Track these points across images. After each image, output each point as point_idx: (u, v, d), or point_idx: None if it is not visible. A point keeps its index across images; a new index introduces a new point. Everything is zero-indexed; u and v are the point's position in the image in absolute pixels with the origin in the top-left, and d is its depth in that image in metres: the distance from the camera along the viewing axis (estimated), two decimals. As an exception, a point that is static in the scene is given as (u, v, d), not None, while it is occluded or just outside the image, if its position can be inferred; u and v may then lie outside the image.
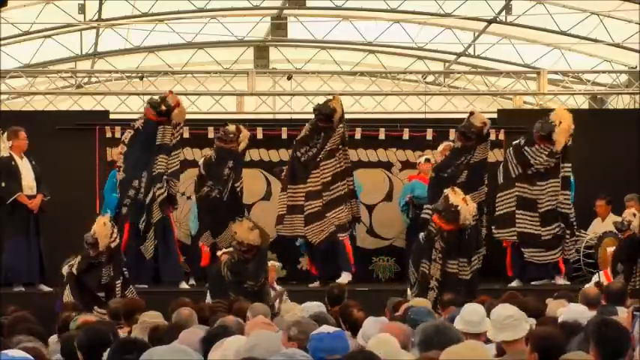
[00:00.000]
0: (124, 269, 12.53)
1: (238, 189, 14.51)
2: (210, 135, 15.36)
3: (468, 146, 14.46)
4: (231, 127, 14.50)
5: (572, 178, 14.58)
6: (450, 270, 12.30)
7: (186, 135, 15.32)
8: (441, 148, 15.18)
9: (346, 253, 14.34)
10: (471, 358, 5.21)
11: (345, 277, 14.05)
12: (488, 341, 7.22)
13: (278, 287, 13.07)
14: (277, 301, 11.22)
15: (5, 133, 14.01)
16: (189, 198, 15.24)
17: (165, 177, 14.06)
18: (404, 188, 15.52)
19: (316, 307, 8.97)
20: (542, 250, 14.03)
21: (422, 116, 17.08)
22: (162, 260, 14.14)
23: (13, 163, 13.87)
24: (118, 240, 12.41)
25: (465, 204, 12.19)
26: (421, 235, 12.70)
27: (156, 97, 14.38)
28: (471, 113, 14.69)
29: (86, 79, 18.20)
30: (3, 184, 13.80)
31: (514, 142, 14.45)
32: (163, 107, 14.06)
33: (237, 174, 14.49)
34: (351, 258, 14.41)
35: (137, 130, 14.17)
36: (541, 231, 14.02)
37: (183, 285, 14.13)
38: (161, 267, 14.14)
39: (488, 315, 8.04)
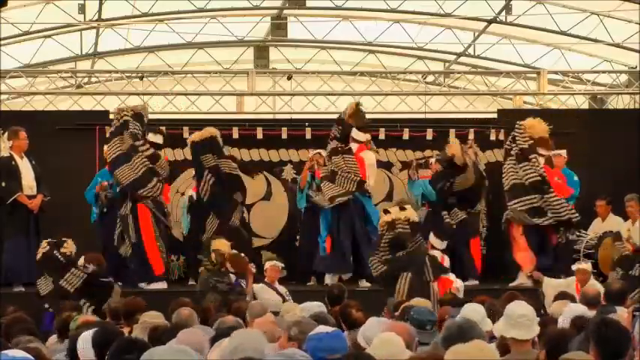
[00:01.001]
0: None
1: (202, 192, 14.28)
2: (210, 135, 15.35)
3: (446, 172, 14.57)
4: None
5: (575, 178, 14.63)
6: None
7: (186, 135, 15.29)
8: (432, 160, 15.18)
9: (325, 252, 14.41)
10: (477, 357, 5.20)
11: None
12: (489, 340, 7.21)
13: (280, 287, 13.08)
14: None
15: (5, 133, 14.03)
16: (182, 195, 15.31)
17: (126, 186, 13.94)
18: (417, 185, 15.36)
19: (316, 307, 8.95)
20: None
21: (422, 116, 17.09)
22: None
23: (13, 163, 13.89)
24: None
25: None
26: None
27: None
28: (447, 142, 14.87)
29: (86, 79, 18.19)
30: (3, 184, 13.82)
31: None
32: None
33: (197, 180, 14.47)
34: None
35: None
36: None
37: (149, 286, 13.84)
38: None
39: (488, 315, 8.06)
